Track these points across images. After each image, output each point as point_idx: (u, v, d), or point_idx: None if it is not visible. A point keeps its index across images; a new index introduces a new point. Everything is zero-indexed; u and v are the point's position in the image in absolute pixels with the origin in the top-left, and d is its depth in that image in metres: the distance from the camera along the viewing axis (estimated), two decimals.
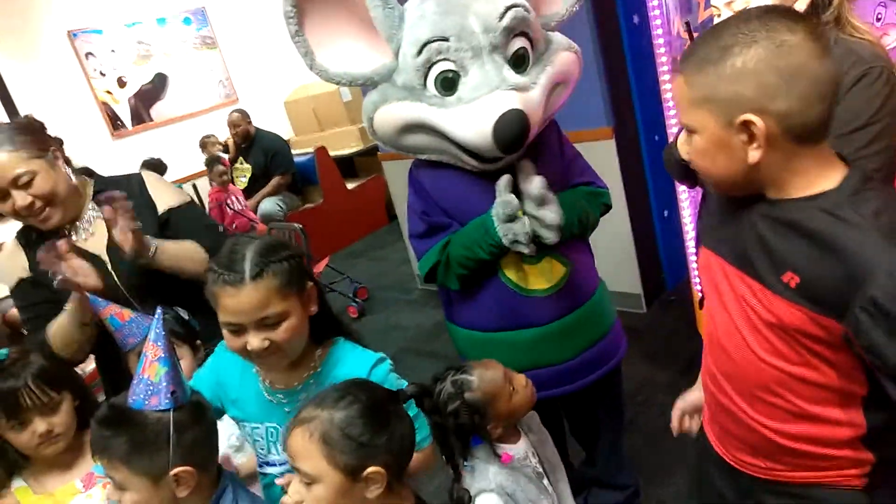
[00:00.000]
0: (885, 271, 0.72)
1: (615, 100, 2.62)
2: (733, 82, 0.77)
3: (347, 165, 5.39)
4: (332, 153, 5.01)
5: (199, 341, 1.46)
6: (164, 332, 0.98)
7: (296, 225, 3.44)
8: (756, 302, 0.85)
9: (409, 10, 1.33)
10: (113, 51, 5.04)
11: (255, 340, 1.03)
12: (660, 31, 2.61)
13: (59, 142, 1.49)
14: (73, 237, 1.47)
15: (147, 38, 5.23)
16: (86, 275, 1.33)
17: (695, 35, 1.82)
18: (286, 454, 0.96)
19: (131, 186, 1.53)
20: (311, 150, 4.97)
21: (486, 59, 1.28)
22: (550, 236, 1.30)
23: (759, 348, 0.87)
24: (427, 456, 1.15)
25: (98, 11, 4.95)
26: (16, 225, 1.51)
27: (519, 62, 1.32)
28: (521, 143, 1.28)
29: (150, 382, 0.97)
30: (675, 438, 1.23)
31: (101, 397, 1.58)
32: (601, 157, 2.49)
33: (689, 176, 1.19)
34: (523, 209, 1.31)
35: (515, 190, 1.32)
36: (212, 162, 4.38)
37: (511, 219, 1.29)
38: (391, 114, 1.36)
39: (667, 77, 2.33)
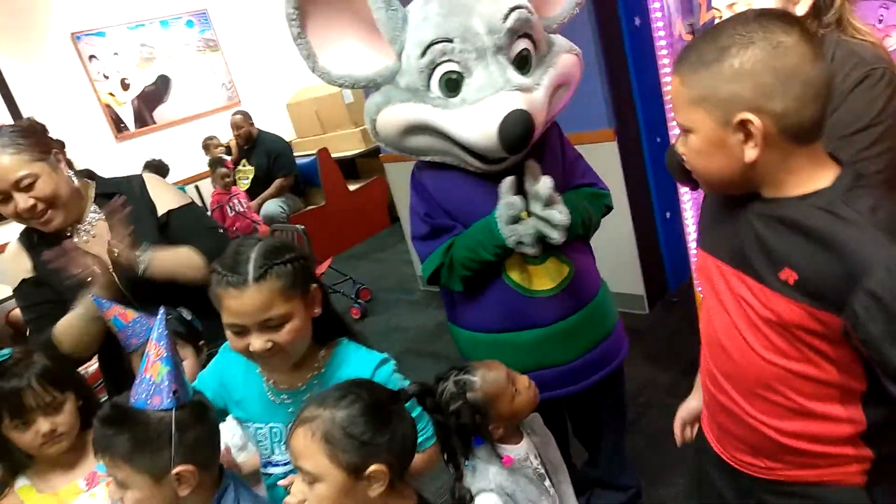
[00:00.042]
0: (883, 266, 0.73)
1: (617, 102, 2.62)
2: (731, 82, 0.78)
3: (349, 167, 5.40)
4: (334, 155, 5.02)
5: (201, 342, 1.46)
6: (166, 332, 0.99)
7: (298, 226, 3.45)
8: (754, 300, 0.86)
9: (412, 11, 1.34)
10: (116, 53, 5.06)
11: (257, 342, 1.04)
12: (661, 33, 2.61)
13: (61, 144, 1.50)
14: (75, 239, 1.47)
15: (150, 40, 5.25)
16: (95, 269, 1.35)
17: None
18: (289, 454, 0.96)
19: (132, 188, 1.54)
20: (313, 151, 4.98)
21: (491, 61, 1.28)
22: (557, 236, 1.30)
23: (759, 346, 0.87)
24: (430, 456, 1.16)
25: (101, 14, 4.97)
26: (16, 226, 1.52)
27: (522, 63, 1.32)
28: (525, 144, 1.28)
29: (152, 382, 0.97)
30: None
31: (104, 398, 1.59)
32: (603, 159, 2.49)
33: (692, 178, 1.19)
34: (528, 210, 1.31)
35: (519, 191, 1.33)
36: (214, 164, 4.40)
37: (515, 220, 1.29)
38: (394, 115, 1.36)
39: (668, 79, 2.33)
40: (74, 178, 1.48)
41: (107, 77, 5.02)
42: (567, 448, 1.71)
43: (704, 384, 1.03)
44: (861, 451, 0.87)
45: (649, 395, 2.30)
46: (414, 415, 1.05)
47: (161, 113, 5.30)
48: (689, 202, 2.74)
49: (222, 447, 1.13)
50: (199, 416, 1.01)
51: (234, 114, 4.85)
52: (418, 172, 1.48)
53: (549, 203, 1.29)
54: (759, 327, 0.87)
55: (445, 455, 1.17)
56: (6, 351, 1.27)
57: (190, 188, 5.00)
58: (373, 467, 0.91)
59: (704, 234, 1.00)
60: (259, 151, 4.80)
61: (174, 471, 0.96)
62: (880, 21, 1.95)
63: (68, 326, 1.41)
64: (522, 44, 1.31)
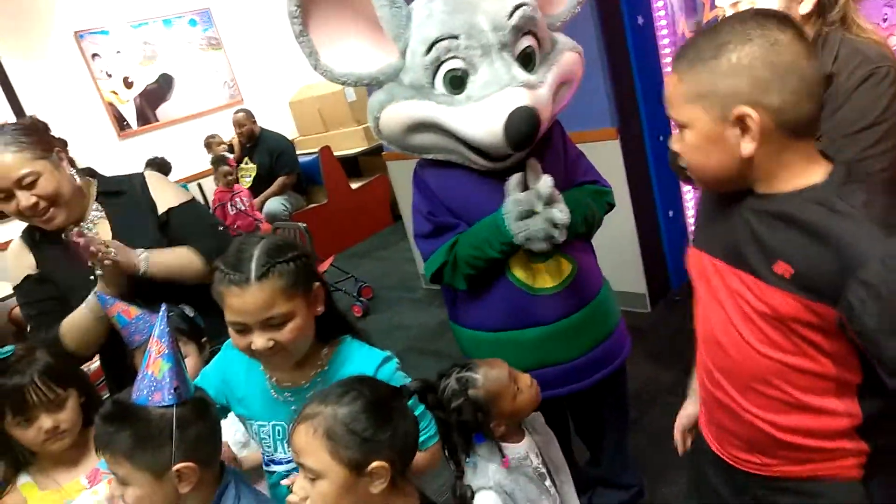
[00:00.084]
0: (878, 258, 0.74)
1: (619, 100, 2.62)
2: (729, 77, 0.80)
3: (352, 165, 5.40)
4: (336, 153, 5.02)
5: (204, 339, 1.47)
6: (168, 329, 0.99)
7: (300, 224, 3.45)
8: (750, 294, 0.87)
9: (416, 9, 1.33)
10: (119, 52, 5.07)
11: (259, 340, 1.03)
12: (664, 32, 2.61)
13: (64, 143, 1.50)
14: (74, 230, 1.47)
15: (153, 39, 5.25)
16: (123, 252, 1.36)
17: None
18: (291, 449, 0.96)
19: (133, 186, 1.54)
20: (315, 150, 4.98)
21: (496, 57, 1.28)
22: (557, 235, 1.30)
23: (755, 340, 0.88)
24: (432, 455, 1.16)
25: (104, 12, 4.98)
26: (18, 225, 1.52)
27: (526, 61, 1.32)
28: (531, 141, 1.28)
29: (153, 379, 0.97)
30: None
31: (106, 395, 1.59)
32: (606, 158, 2.49)
33: None
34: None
35: (524, 189, 1.32)
36: (217, 162, 4.40)
37: (524, 216, 1.29)
38: (398, 113, 1.36)
39: None
40: (76, 177, 1.48)
41: (110, 75, 5.02)
42: (569, 447, 1.71)
43: (701, 382, 1.04)
44: (857, 445, 0.88)
45: (651, 393, 2.30)
46: (416, 413, 1.05)
47: (164, 111, 5.31)
48: (692, 201, 2.74)
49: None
50: (201, 413, 1.01)
51: (237, 112, 4.85)
52: (421, 170, 1.48)
53: (549, 201, 1.29)
54: (755, 321, 0.87)
55: (447, 452, 1.17)
56: (9, 348, 1.28)
57: (192, 186, 5.00)
58: (375, 464, 0.91)
59: (699, 233, 1.01)
60: (261, 149, 4.80)
61: (175, 468, 0.96)
62: (885, 20, 1.95)
63: (74, 324, 1.41)
64: (527, 41, 1.31)
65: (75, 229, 1.36)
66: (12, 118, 4.21)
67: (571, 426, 1.74)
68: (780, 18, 0.81)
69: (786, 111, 0.79)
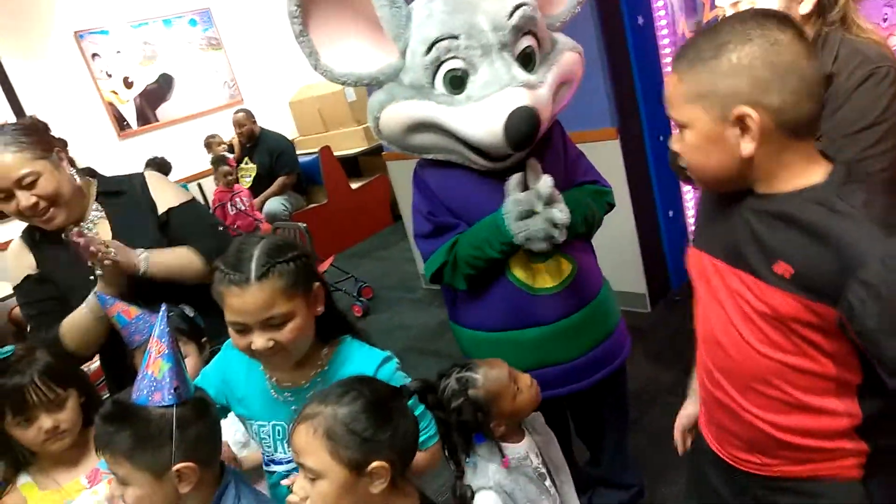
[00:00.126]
0: (878, 258, 0.74)
1: (620, 100, 2.62)
2: (729, 77, 0.80)
3: (352, 165, 5.40)
4: (336, 153, 5.02)
5: (204, 339, 1.46)
6: (168, 329, 0.99)
7: (300, 224, 3.45)
8: (750, 294, 0.87)
9: (415, 9, 1.33)
10: (119, 52, 5.07)
11: (259, 340, 1.03)
12: (665, 32, 2.61)
13: (63, 142, 1.49)
14: (74, 230, 1.47)
15: (153, 39, 5.25)
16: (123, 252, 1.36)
17: None
18: (291, 450, 0.96)
19: (133, 186, 1.54)
20: (315, 150, 4.98)
21: (496, 57, 1.28)
22: (557, 235, 1.30)
23: (755, 340, 0.88)
24: (433, 455, 1.16)
25: (104, 12, 4.98)
26: (18, 225, 1.52)
27: (526, 61, 1.32)
28: (531, 140, 1.28)
29: (153, 379, 0.97)
30: None
31: (106, 395, 1.59)
32: (606, 158, 2.49)
33: None
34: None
35: (524, 189, 1.32)
36: (217, 162, 4.40)
37: (524, 216, 1.29)
38: (398, 113, 1.36)
39: None
40: (76, 177, 1.48)
41: (110, 75, 5.02)
42: (569, 447, 1.71)
43: (701, 382, 1.04)
44: (857, 445, 0.88)
45: (652, 393, 2.30)
46: (416, 413, 1.05)
47: (164, 111, 5.31)
48: (692, 201, 2.74)
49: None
50: (201, 413, 1.01)
51: (237, 112, 4.85)
52: (421, 170, 1.48)
53: (549, 201, 1.29)
54: (755, 321, 0.87)
55: (447, 452, 1.17)
56: (9, 348, 1.28)
57: (192, 186, 5.00)
58: (375, 464, 0.91)
59: (699, 233, 1.01)
60: (261, 150, 4.80)
61: (175, 468, 0.96)
62: (885, 20, 1.95)
63: (74, 324, 1.41)
64: (527, 41, 1.31)
65: (75, 229, 1.36)
66: (12, 118, 4.21)
67: (571, 426, 1.74)
68: (779, 18, 0.81)
69: (786, 111, 0.79)
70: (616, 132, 2.62)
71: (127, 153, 4.97)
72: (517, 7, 1.27)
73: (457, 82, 1.30)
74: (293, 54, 1.38)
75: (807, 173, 0.83)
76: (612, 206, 1.52)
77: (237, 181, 4.49)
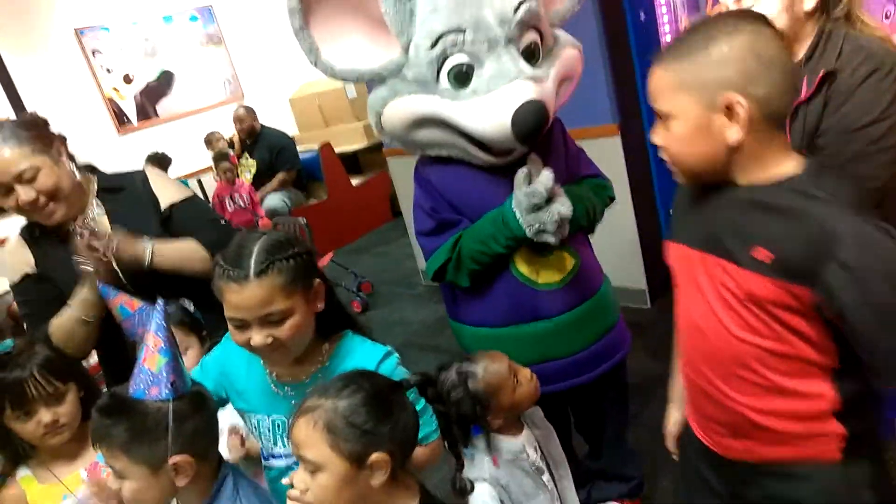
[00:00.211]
0: (852, 236, 0.78)
1: (621, 97, 2.61)
2: (718, 66, 0.83)
3: (352, 162, 5.40)
4: (337, 150, 5.01)
5: (204, 333, 1.46)
6: (164, 324, 0.99)
7: (300, 219, 3.45)
8: (730, 280, 0.89)
9: (420, 3, 1.32)
10: (120, 48, 5.06)
11: (257, 337, 1.03)
12: (667, 28, 2.60)
13: (63, 138, 1.49)
14: (77, 229, 1.47)
15: (153, 35, 5.24)
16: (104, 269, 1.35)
17: None
18: (290, 443, 0.96)
19: (134, 182, 1.53)
20: (316, 146, 4.97)
21: (502, 52, 1.28)
22: (562, 228, 1.30)
23: (735, 326, 0.90)
24: (433, 449, 1.15)
25: (105, 9, 4.97)
26: (17, 220, 1.51)
27: (530, 56, 1.32)
28: (538, 134, 1.28)
29: (150, 373, 0.97)
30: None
31: (105, 390, 1.59)
32: (607, 154, 2.49)
33: None
34: None
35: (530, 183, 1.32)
36: (219, 157, 4.39)
37: (537, 208, 1.29)
38: (402, 108, 1.35)
39: None
40: (76, 172, 1.47)
41: (110, 71, 5.02)
42: (569, 442, 1.71)
43: (685, 373, 1.06)
44: (835, 428, 0.90)
45: (651, 388, 2.29)
46: (417, 409, 1.05)
47: (164, 107, 5.30)
48: None
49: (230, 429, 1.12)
50: (198, 407, 1.01)
51: (238, 108, 4.85)
52: (422, 167, 1.47)
53: (550, 196, 1.29)
54: (734, 307, 0.90)
55: (447, 445, 1.17)
56: (8, 342, 1.28)
57: (192, 182, 5.00)
58: (374, 456, 0.91)
59: (676, 228, 1.04)
60: (262, 146, 4.79)
61: (171, 461, 0.96)
62: (887, 17, 1.94)
63: (60, 326, 1.40)
64: (531, 36, 1.31)
65: (80, 223, 1.36)
66: (13, 114, 4.20)
67: (571, 421, 1.74)
68: (761, 17, 0.86)
69: (770, 101, 0.83)
70: (617, 129, 2.62)
71: (127, 149, 4.96)
72: (523, 1, 1.27)
73: (462, 77, 1.30)
74: (294, 51, 1.37)
75: (783, 165, 0.87)
76: (612, 199, 1.53)
77: (237, 177, 4.48)
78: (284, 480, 0.98)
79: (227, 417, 1.26)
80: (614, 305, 1.56)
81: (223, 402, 1.22)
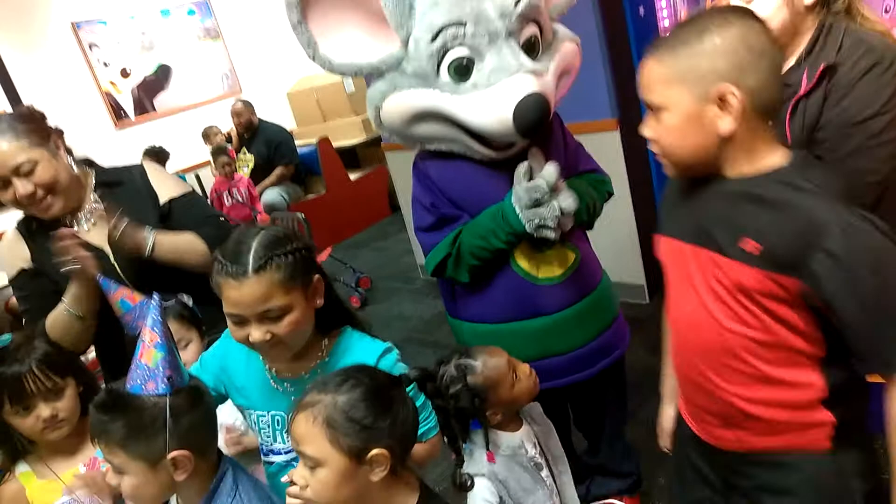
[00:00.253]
0: (838, 226, 0.81)
1: (620, 91, 2.61)
2: (711, 57, 0.84)
3: (350, 156, 5.39)
4: (335, 144, 5.01)
5: (203, 328, 1.46)
6: (160, 318, 0.98)
7: (298, 214, 3.44)
8: (719, 272, 0.91)
9: None
10: (117, 42, 5.04)
11: (256, 333, 1.03)
12: (666, 23, 2.60)
13: (60, 131, 1.48)
14: (75, 228, 1.47)
15: (151, 29, 5.22)
16: (88, 264, 1.33)
17: None
18: (290, 439, 0.96)
19: (132, 177, 1.53)
20: (314, 141, 4.96)
21: (503, 45, 1.27)
22: (565, 222, 1.29)
23: (724, 317, 0.92)
24: (433, 446, 1.15)
25: (102, 2, 4.95)
26: (15, 215, 1.51)
27: (530, 49, 1.32)
28: (540, 127, 1.28)
29: (146, 368, 0.97)
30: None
31: (103, 386, 1.59)
32: (606, 149, 2.48)
33: None
34: None
35: (530, 178, 1.32)
36: (218, 152, 4.38)
37: (538, 204, 1.29)
38: (401, 102, 1.35)
39: None
40: (74, 166, 1.47)
41: (107, 65, 5.00)
42: (569, 438, 1.72)
43: (676, 364, 1.08)
44: (824, 416, 0.92)
45: (650, 383, 2.29)
46: (417, 404, 1.05)
47: (161, 101, 5.28)
48: None
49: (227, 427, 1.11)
50: (195, 402, 1.01)
51: (236, 102, 4.83)
52: (421, 162, 1.47)
53: (553, 189, 1.29)
54: (724, 299, 0.92)
55: (447, 440, 1.17)
56: (6, 336, 1.27)
57: (190, 177, 4.99)
58: (374, 451, 0.91)
59: (665, 222, 1.05)
60: (260, 140, 4.78)
61: (169, 456, 0.96)
62: (887, 12, 1.94)
63: (55, 321, 1.40)
64: (531, 29, 1.31)
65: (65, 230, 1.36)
66: (10, 108, 4.19)
67: (571, 417, 1.74)
68: (750, 11, 0.89)
69: (761, 92, 0.85)
70: (616, 123, 2.61)
71: (124, 143, 4.95)
72: None
73: (462, 70, 1.29)
74: (292, 45, 1.37)
75: (770, 157, 0.88)
76: (611, 194, 1.53)
77: (235, 171, 4.47)
78: (284, 478, 0.98)
79: (224, 414, 1.26)
80: (614, 301, 1.56)
81: (223, 399, 1.22)
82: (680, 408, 1.14)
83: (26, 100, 4.32)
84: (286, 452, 1.17)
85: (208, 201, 4.12)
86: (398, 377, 1.02)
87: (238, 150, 4.86)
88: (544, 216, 1.28)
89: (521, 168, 1.31)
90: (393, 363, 1.13)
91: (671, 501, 1.21)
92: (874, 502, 0.92)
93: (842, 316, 0.83)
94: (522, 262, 1.40)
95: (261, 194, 4.63)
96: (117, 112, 5.05)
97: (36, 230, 1.48)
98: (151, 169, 1.57)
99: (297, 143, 5.05)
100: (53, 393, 1.24)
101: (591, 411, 1.68)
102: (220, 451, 1.09)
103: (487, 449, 1.20)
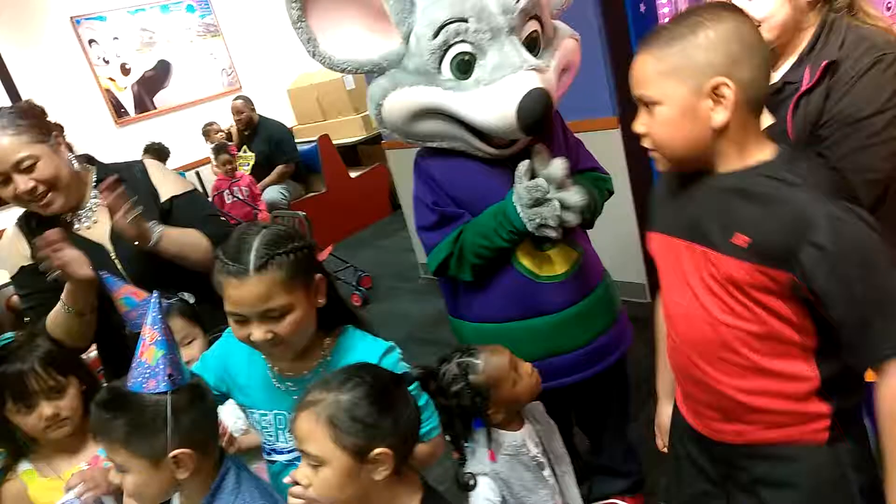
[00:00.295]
0: (825, 218, 0.82)
1: (621, 89, 2.60)
2: (705, 50, 0.86)
3: (351, 154, 5.38)
4: (335, 142, 4.99)
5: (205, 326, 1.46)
6: (160, 316, 0.98)
7: (300, 213, 3.44)
8: (712, 267, 0.92)
9: None
10: (116, 38, 5.03)
11: (258, 332, 1.03)
12: (667, 21, 2.59)
13: (60, 127, 1.48)
14: (76, 225, 1.46)
15: (150, 25, 5.21)
16: (78, 264, 1.31)
17: None
18: (293, 437, 0.96)
19: (133, 174, 1.52)
20: (314, 138, 4.95)
21: (505, 41, 1.27)
22: (572, 218, 1.30)
23: (717, 310, 0.94)
24: (436, 446, 1.15)
25: None
26: (14, 213, 1.50)
27: (531, 46, 1.31)
28: (543, 123, 1.28)
29: (147, 366, 0.97)
30: None
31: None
32: (607, 147, 2.48)
33: None
34: None
35: (531, 176, 1.32)
36: (219, 150, 4.37)
37: (538, 203, 1.28)
38: (403, 100, 1.34)
39: None
40: (75, 162, 1.46)
41: (107, 62, 4.98)
42: (571, 438, 1.72)
43: (673, 359, 1.09)
44: (820, 407, 0.93)
45: (652, 382, 2.29)
46: (420, 404, 1.05)
47: (161, 98, 5.27)
48: None
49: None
50: (196, 400, 1.01)
51: (236, 99, 4.82)
52: (423, 160, 1.46)
53: (560, 185, 1.28)
54: (716, 292, 0.93)
55: (449, 439, 1.17)
56: (9, 334, 1.27)
57: (190, 174, 4.99)
58: (377, 450, 0.91)
59: (657, 218, 1.07)
60: (260, 138, 4.77)
61: (171, 454, 0.96)
62: (888, 9, 1.94)
63: (53, 320, 1.40)
64: (532, 25, 1.31)
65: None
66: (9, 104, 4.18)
67: (573, 417, 1.74)
68: (739, 8, 0.91)
69: (753, 86, 0.87)
70: (617, 121, 2.61)
71: (124, 141, 4.94)
72: None
73: (464, 67, 1.29)
74: (292, 41, 1.36)
75: (758, 151, 0.90)
76: (611, 192, 1.52)
77: (236, 169, 4.47)
78: (286, 479, 0.98)
79: (225, 414, 1.26)
80: (616, 300, 1.56)
81: (225, 398, 1.22)
82: (678, 403, 1.15)
83: (26, 97, 4.31)
84: (288, 452, 1.17)
85: (209, 199, 4.13)
86: (400, 376, 1.02)
87: (238, 148, 4.85)
88: (545, 215, 1.28)
89: (522, 167, 1.31)
90: (395, 362, 1.13)
91: (669, 496, 1.21)
92: (872, 494, 0.92)
93: (830, 308, 0.85)
94: (525, 261, 1.40)
95: (261, 192, 4.63)
96: (117, 109, 5.04)
97: (37, 227, 1.47)
98: (153, 166, 1.57)
99: (297, 140, 5.04)
100: (56, 391, 1.24)
101: (594, 411, 1.68)
102: (222, 450, 1.09)
103: (489, 448, 1.20)
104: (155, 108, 5.24)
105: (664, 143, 0.93)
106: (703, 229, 0.93)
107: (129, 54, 5.09)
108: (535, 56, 1.31)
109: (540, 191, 1.28)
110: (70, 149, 1.49)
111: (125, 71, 5.07)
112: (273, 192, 4.64)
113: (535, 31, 1.31)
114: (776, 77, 1.26)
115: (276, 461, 1.21)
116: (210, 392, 1.07)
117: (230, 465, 1.06)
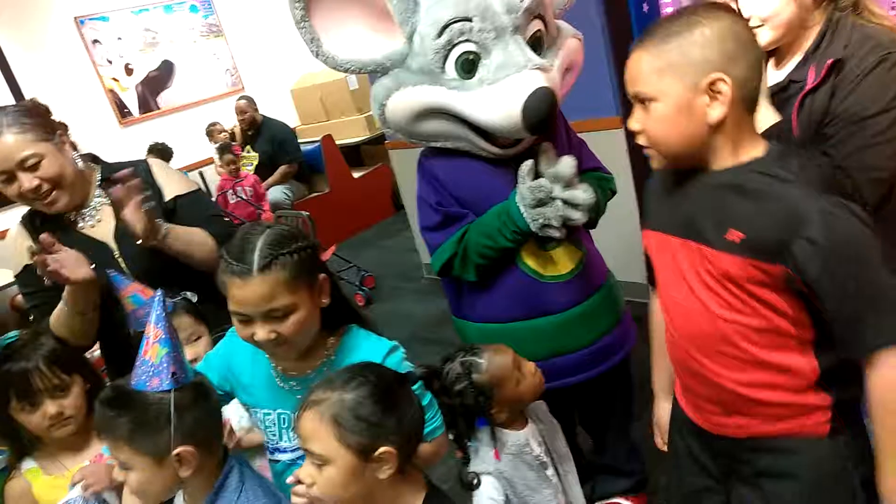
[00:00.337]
0: (817, 212, 0.83)
1: (624, 89, 2.59)
2: (701, 47, 0.87)
3: (354, 154, 5.38)
4: (338, 142, 5.00)
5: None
6: (164, 315, 0.98)
7: (303, 213, 3.44)
8: (707, 263, 0.93)
9: None
10: (119, 38, 5.04)
11: (261, 332, 1.03)
12: (661, 19, 2.59)
13: (65, 126, 1.48)
14: (80, 223, 1.47)
15: (154, 25, 5.22)
16: (74, 266, 1.30)
17: None
18: (297, 436, 0.96)
19: (137, 173, 1.52)
20: (317, 138, 4.96)
21: (509, 40, 1.27)
22: (579, 217, 1.30)
23: (714, 305, 0.94)
24: (440, 445, 1.15)
25: None
26: (18, 212, 1.50)
27: (535, 45, 1.31)
28: (548, 122, 1.27)
29: (151, 364, 0.97)
30: None
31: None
32: (610, 146, 2.47)
33: None
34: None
35: (535, 176, 1.32)
36: (223, 149, 4.38)
37: (541, 203, 1.28)
38: (406, 100, 1.34)
39: None
40: (79, 161, 1.47)
41: (110, 62, 5.00)
42: (574, 437, 1.71)
43: (672, 355, 1.09)
44: (820, 399, 0.94)
45: None
46: (423, 403, 1.05)
47: (165, 98, 5.29)
48: None
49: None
50: (199, 398, 1.01)
51: (239, 99, 4.83)
52: (426, 160, 1.46)
53: (569, 184, 1.28)
54: (713, 287, 0.94)
55: (453, 439, 1.17)
56: (13, 333, 1.28)
57: (194, 174, 4.99)
58: (381, 449, 0.91)
59: (652, 216, 1.07)
60: (263, 138, 4.78)
61: (174, 452, 0.96)
62: (893, 8, 1.93)
63: (56, 319, 1.40)
64: (536, 25, 1.31)
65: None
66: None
67: (577, 416, 1.74)
68: (732, 9, 0.93)
69: (747, 83, 0.88)
70: (621, 121, 2.60)
71: (128, 141, 4.95)
72: None
73: (468, 66, 1.29)
74: (295, 41, 1.36)
75: (751, 148, 0.91)
76: (614, 192, 1.52)
77: (240, 169, 4.48)
78: (289, 479, 0.98)
79: (229, 413, 1.26)
80: (620, 300, 1.56)
81: (229, 397, 1.22)
82: (677, 395, 1.15)
83: (30, 97, 4.33)
84: (292, 451, 1.17)
85: (214, 199, 4.14)
86: (404, 375, 1.02)
87: (242, 148, 4.86)
88: (548, 215, 1.28)
89: (525, 167, 1.31)
90: (399, 362, 1.13)
91: (669, 495, 1.21)
92: (873, 487, 0.93)
93: (824, 301, 0.86)
94: (529, 261, 1.39)
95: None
96: (121, 109, 5.06)
97: (41, 225, 1.47)
98: (158, 165, 1.57)
99: (300, 140, 5.05)
100: (60, 390, 1.24)
101: (597, 410, 1.68)
102: (225, 448, 1.09)
103: (493, 447, 1.20)
104: (158, 108, 5.25)
105: (660, 139, 0.93)
106: (698, 226, 0.94)
107: (132, 54, 5.10)
108: (538, 55, 1.30)
109: (543, 191, 1.27)
110: (74, 147, 1.49)
111: (129, 71, 5.09)
112: (276, 193, 4.65)
113: (539, 30, 1.31)
114: (781, 75, 1.26)
115: (279, 460, 1.21)
116: (213, 390, 1.08)
117: (234, 464, 1.06)
